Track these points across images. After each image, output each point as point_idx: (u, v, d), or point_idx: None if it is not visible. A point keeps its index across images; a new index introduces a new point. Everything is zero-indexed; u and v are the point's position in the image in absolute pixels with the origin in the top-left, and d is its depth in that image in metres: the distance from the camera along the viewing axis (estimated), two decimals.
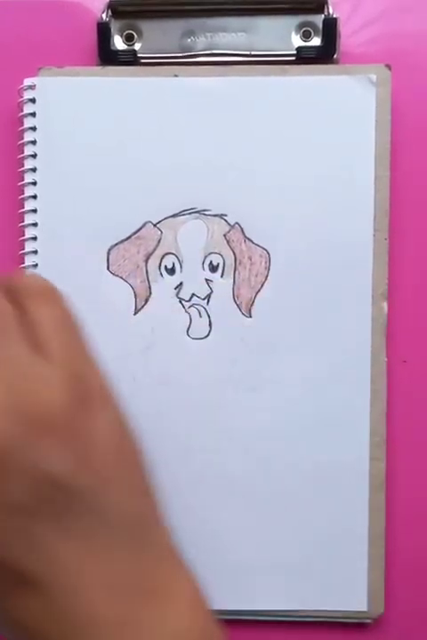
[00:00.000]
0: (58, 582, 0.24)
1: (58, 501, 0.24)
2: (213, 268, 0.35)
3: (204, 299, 0.35)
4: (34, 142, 0.35)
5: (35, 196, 0.35)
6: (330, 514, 0.35)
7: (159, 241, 0.35)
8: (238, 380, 0.35)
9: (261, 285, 0.35)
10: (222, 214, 0.35)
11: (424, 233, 0.36)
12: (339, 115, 0.34)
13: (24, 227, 0.35)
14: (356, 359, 0.35)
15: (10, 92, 0.35)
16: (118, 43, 0.36)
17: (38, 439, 0.23)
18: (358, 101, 0.34)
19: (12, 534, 0.23)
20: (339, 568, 0.35)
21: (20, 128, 0.35)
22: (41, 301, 0.27)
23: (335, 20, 0.35)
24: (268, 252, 0.35)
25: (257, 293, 0.35)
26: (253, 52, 0.35)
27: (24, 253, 0.35)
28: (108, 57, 0.35)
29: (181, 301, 0.35)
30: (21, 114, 0.35)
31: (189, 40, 0.35)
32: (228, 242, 0.35)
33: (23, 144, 0.35)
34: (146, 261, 0.35)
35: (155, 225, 0.35)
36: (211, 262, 0.35)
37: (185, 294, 0.35)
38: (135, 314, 0.35)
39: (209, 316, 0.35)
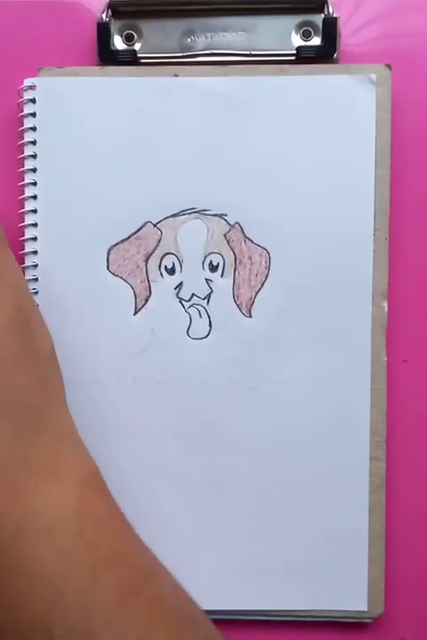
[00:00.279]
0: None
1: None
2: (213, 268, 0.35)
3: (204, 299, 0.35)
4: (34, 142, 0.35)
5: (35, 196, 0.35)
6: (330, 514, 0.35)
7: (159, 241, 0.35)
8: (238, 380, 0.35)
9: (261, 285, 0.35)
10: (222, 214, 0.35)
11: (424, 233, 0.36)
12: (339, 115, 0.34)
13: (24, 227, 0.35)
14: (356, 359, 0.35)
15: (10, 91, 0.35)
16: (118, 43, 0.36)
17: None
18: (358, 101, 0.34)
19: None
20: (339, 568, 0.35)
21: (20, 128, 0.35)
22: None
23: (335, 19, 0.35)
24: (268, 252, 0.35)
25: (257, 293, 0.35)
26: (253, 52, 0.35)
27: (24, 253, 0.35)
28: (108, 57, 0.35)
29: (181, 301, 0.35)
30: (21, 114, 0.35)
31: (189, 40, 0.35)
32: (228, 242, 0.35)
33: (23, 144, 0.35)
34: (146, 261, 0.35)
35: (155, 225, 0.35)
36: (211, 262, 0.35)
37: (185, 294, 0.35)
38: (135, 314, 0.35)
39: (209, 316, 0.35)
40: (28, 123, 0.35)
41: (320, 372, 0.35)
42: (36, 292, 0.35)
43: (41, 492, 0.26)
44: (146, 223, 0.35)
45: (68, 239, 0.35)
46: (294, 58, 0.35)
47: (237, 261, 0.35)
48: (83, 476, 0.27)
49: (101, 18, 0.35)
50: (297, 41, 0.35)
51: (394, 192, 0.35)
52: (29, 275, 0.35)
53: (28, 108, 0.35)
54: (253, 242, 0.35)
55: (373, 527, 0.35)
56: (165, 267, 0.35)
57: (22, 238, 0.35)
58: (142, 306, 0.35)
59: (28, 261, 0.35)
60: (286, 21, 0.35)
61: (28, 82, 0.35)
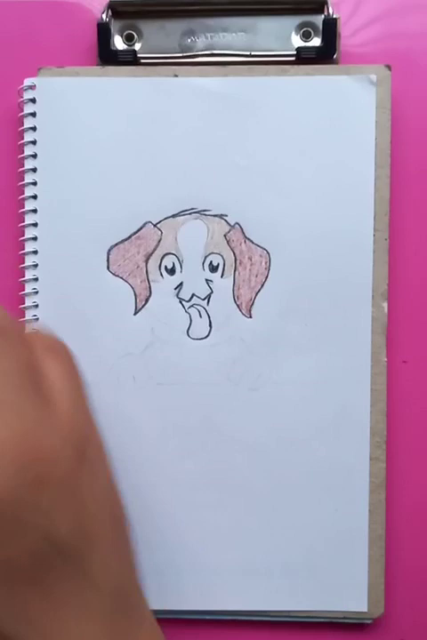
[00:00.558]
0: None
1: (48, 562, 0.23)
2: (214, 268, 0.35)
3: (204, 299, 0.35)
4: (34, 142, 0.35)
5: (35, 196, 0.35)
6: (330, 514, 0.35)
7: (159, 241, 0.35)
8: (238, 379, 0.35)
9: (261, 285, 0.35)
10: (222, 214, 0.35)
11: (424, 233, 0.36)
12: (339, 115, 0.34)
13: (24, 227, 0.35)
14: (356, 359, 0.35)
15: (10, 92, 0.35)
16: (118, 43, 0.36)
17: (40, 495, 0.22)
18: (358, 101, 0.34)
19: None
20: (339, 568, 0.35)
21: (20, 128, 0.35)
22: (51, 356, 0.27)
23: (335, 20, 0.35)
24: (268, 252, 0.35)
25: (257, 293, 0.35)
26: (253, 52, 0.35)
27: (24, 253, 0.35)
28: (108, 57, 0.35)
29: (181, 301, 0.35)
30: (21, 114, 0.35)
31: (189, 40, 0.35)
32: (228, 242, 0.35)
33: (23, 144, 0.35)
34: (146, 261, 0.35)
35: (155, 225, 0.35)
36: (211, 262, 0.35)
37: (185, 294, 0.35)
38: (135, 314, 0.35)
39: (209, 316, 0.35)
40: (28, 123, 0.35)
41: (320, 372, 0.35)
42: (36, 292, 0.35)
43: None
44: (146, 223, 0.35)
45: (68, 239, 0.35)
46: (294, 58, 0.35)
47: (238, 262, 0.35)
48: None
49: (101, 18, 0.35)
50: (297, 41, 0.35)
51: (394, 192, 0.35)
52: (29, 275, 0.35)
53: (27, 108, 0.35)
54: (253, 242, 0.35)
55: (373, 527, 0.35)
56: (166, 267, 0.35)
57: (22, 238, 0.35)
58: (142, 306, 0.35)
59: (28, 261, 0.35)
60: (286, 22, 0.35)
61: (28, 82, 0.35)
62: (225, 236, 0.35)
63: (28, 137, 0.35)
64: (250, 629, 0.36)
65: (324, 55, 0.35)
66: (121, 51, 0.35)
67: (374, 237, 0.34)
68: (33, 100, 0.35)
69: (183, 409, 0.35)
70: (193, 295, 0.35)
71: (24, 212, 0.35)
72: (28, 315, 0.35)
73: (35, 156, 0.35)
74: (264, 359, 0.35)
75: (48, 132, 0.35)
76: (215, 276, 0.35)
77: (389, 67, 0.34)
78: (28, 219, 0.35)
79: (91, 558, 0.24)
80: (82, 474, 0.24)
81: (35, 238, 0.35)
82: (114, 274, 0.35)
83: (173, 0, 0.35)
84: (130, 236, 0.35)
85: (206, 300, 0.35)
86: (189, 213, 0.35)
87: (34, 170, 0.35)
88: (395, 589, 0.36)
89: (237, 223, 0.35)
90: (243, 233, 0.35)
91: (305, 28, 0.35)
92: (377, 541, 0.35)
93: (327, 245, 0.34)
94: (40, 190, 0.35)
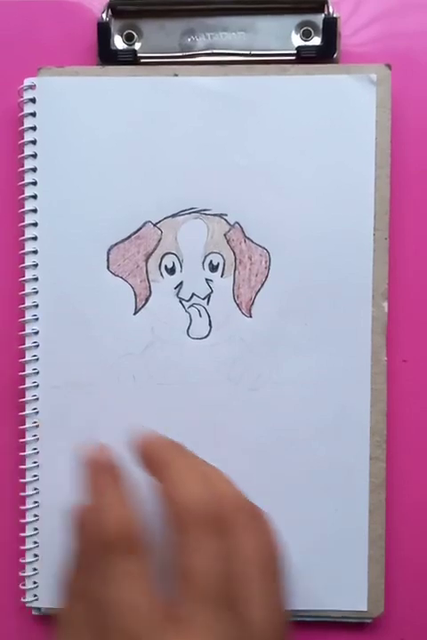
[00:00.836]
0: None
1: None
2: (213, 268, 0.35)
3: (204, 298, 0.35)
4: (34, 142, 0.35)
5: (35, 196, 0.35)
6: (330, 514, 0.35)
7: (159, 241, 0.35)
8: (238, 379, 0.35)
9: (261, 285, 0.35)
10: (222, 214, 0.35)
11: (424, 233, 0.36)
12: (339, 114, 0.34)
13: (24, 227, 0.35)
14: (356, 359, 0.34)
15: (10, 92, 0.35)
16: (118, 42, 0.36)
17: None
18: (358, 101, 0.34)
19: None
20: (339, 568, 0.35)
21: (20, 128, 0.35)
22: (248, 532, 0.24)
23: (336, 19, 0.35)
24: (268, 252, 0.35)
25: (257, 293, 0.35)
26: (253, 52, 0.35)
27: (24, 253, 0.35)
28: (108, 57, 0.35)
29: (181, 301, 0.35)
30: (21, 114, 0.35)
31: (189, 40, 0.35)
32: (228, 241, 0.35)
33: (23, 144, 0.35)
34: (146, 261, 0.35)
35: (155, 225, 0.35)
36: (211, 262, 0.35)
37: (185, 294, 0.35)
38: (135, 314, 0.35)
39: (209, 316, 0.35)
40: (28, 122, 0.35)
41: (320, 372, 0.35)
42: (36, 292, 0.35)
43: None
44: (146, 223, 0.35)
45: (68, 239, 0.35)
46: (294, 58, 0.35)
47: (237, 261, 0.35)
48: None
49: (101, 17, 0.35)
50: (297, 41, 0.35)
51: (394, 192, 0.35)
52: (29, 275, 0.35)
53: (27, 108, 0.35)
54: (253, 242, 0.35)
55: (373, 527, 0.35)
56: (166, 266, 0.35)
57: (22, 238, 0.35)
58: (142, 306, 0.35)
59: (28, 261, 0.35)
60: (286, 21, 0.35)
61: (28, 81, 0.35)
62: (225, 235, 0.35)
63: (27, 137, 0.35)
64: None
65: (324, 54, 0.35)
66: (121, 50, 0.35)
67: (374, 237, 0.34)
68: (33, 100, 0.35)
69: (183, 409, 0.35)
70: (193, 295, 0.35)
71: (24, 212, 0.35)
72: (28, 315, 0.35)
73: (35, 155, 0.35)
74: (264, 359, 0.35)
75: (48, 132, 0.35)
76: (215, 276, 0.35)
77: (389, 66, 0.34)
78: (28, 219, 0.35)
79: None
80: None
81: (35, 238, 0.35)
82: (114, 273, 0.35)
83: (173, 0, 0.35)
84: (130, 236, 0.35)
85: (206, 300, 0.35)
86: (189, 213, 0.35)
87: (34, 170, 0.35)
88: (395, 589, 0.36)
89: (237, 222, 0.35)
90: (243, 232, 0.35)
91: (305, 28, 0.35)
92: (377, 541, 0.35)
93: (327, 245, 0.34)
94: (40, 190, 0.35)
